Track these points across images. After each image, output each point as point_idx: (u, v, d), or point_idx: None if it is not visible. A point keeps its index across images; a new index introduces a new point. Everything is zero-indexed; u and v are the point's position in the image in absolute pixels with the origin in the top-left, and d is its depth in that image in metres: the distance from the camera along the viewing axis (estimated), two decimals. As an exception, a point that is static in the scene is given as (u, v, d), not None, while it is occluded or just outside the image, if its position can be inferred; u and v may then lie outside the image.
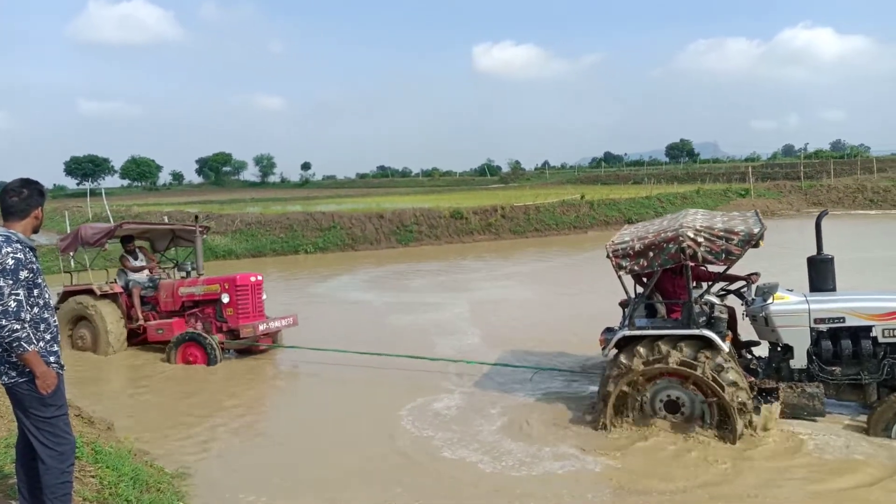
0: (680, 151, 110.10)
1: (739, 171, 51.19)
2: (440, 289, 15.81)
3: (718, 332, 6.21)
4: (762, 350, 7.07)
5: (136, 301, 10.45)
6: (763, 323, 6.59)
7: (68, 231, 23.01)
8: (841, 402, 6.61)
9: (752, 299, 6.85)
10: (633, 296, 6.90)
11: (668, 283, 6.97)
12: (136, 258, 10.96)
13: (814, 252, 6.79)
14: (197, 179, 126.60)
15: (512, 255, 22.42)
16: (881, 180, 39.89)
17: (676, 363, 6.10)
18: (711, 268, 6.86)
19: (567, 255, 22.02)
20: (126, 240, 10.88)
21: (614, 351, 6.59)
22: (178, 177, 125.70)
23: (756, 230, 6.05)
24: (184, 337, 9.60)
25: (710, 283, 7.01)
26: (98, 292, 10.24)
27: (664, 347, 6.18)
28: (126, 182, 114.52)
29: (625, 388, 6.34)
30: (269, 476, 5.88)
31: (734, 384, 6.00)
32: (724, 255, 6.05)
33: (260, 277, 10.38)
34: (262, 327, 9.74)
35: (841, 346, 6.30)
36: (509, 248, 24.89)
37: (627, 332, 6.39)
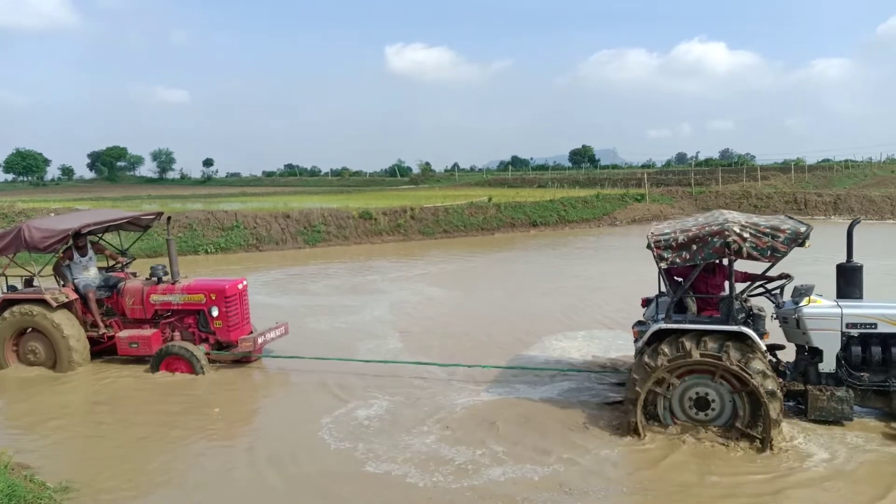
0: (582, 157, 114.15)
1: (636, 177, 53.67)
2: (354, 290, 15.62)
3: (757, 330, 6.22)
4: (785, 355, 7.06)
5: (94, 306, 9.37)
6: (794, 325, 6.57)
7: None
8: (865, 408, 6.64)
9: (783, 301, 6.84)
10: (661, 291, 6.84)
11: (700, 281, 6.86)
12: (84, 254, 9.70)
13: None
14: (88, 174, 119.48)
15: (422, 256, 22.50)
16: (765, 187, 42.96)
17: (714, 357, 6.03)
18: (743, 266, 6.74)
19: (476, 256, 22.33)
20: (77, 233, 9.51)
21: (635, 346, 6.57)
22: (67, 171, 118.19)
23: (802, 229, 5.98)
24: (167, 351, 8.90)
25: (748, 282, 6.88)
26: (54, 303, 8.95)
27: (704, 341, 6.11)
28: (10, 177, 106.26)
29: (655, 385, 6.24)
30: (172, 493, 5.62)
31: (766, 378, 5.97)
32: (769, 252, 5.96)
33: (245, 283, 9.66)
34: (260, 340, 9.12)
35: (871, 352, 6.35)
36: (418, 248, 24.97)
37: (664, 325, 6.29)
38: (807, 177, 51.93)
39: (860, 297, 6.68)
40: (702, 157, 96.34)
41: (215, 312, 9.07)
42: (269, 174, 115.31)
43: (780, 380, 6.48)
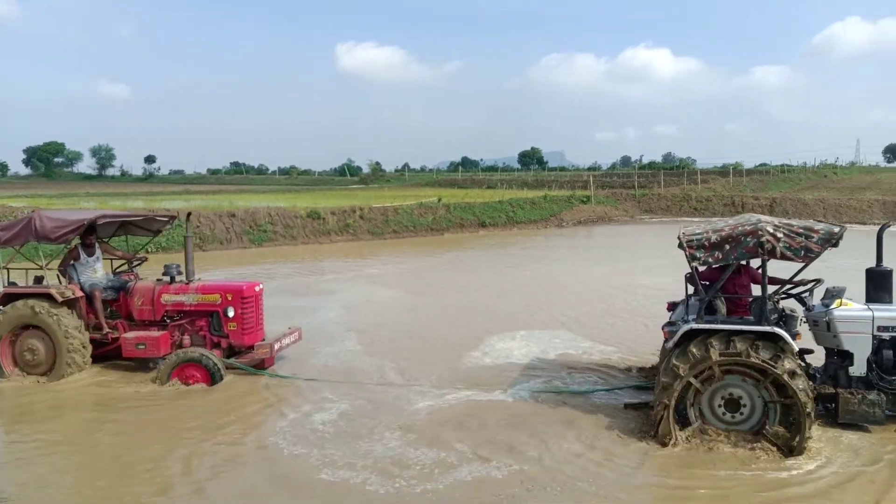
0: (531, 159, 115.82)
1: (583, 179, 54.80)
2: (306, 292, 15.39)
3: (789, 331, 6.12)
4: (814, 359, 6.92)
5: (99, 306, 8.79)
6: (825, 328, 6.50)
7: None
8: (894, 413, 6.43)
9: (813, 304, 6.78)
10: (689, 294, 6.86)
11: (728, 282, 6.72)
12: (91, 254, 9.10)
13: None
14: (24, 171, 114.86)
15: (372, 256, 22.46)
16: (704, 190, 44.47)
17: (754, 358, 5.90)
18: (766, 270, 6.47)
19: (425, 257, 22.43)
20: (87, 230, 8.90)
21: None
22: (2, 168, 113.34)
23: (836, 230, 5.94)
24: (183, 358, 8.29)
25: (782, 283, 6.77)
26: (59, 298, 8.40)
27: (738, 343, 5.99)
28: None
29: (686, 386, 6.09)
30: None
31: (798, 379, 5.89)
32: (802, 252, 5.89)
33: (262, 286, 9.22)
34: (276, 346, 8.70)
35: None
36: (368, 249, 24.91)
37: (695, 325, 6.15)
38: (744, 180, 53.92)
39: (890, 301, 6.60)
40: (645, 161, 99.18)
41: (231, 313, 8.61)
42: (213, 172, 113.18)
43: (811, 383, 6.30)
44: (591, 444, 6.43)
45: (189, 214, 10.05)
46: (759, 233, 5.94)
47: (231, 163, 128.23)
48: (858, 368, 6.40)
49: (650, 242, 27.58)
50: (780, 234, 5.94)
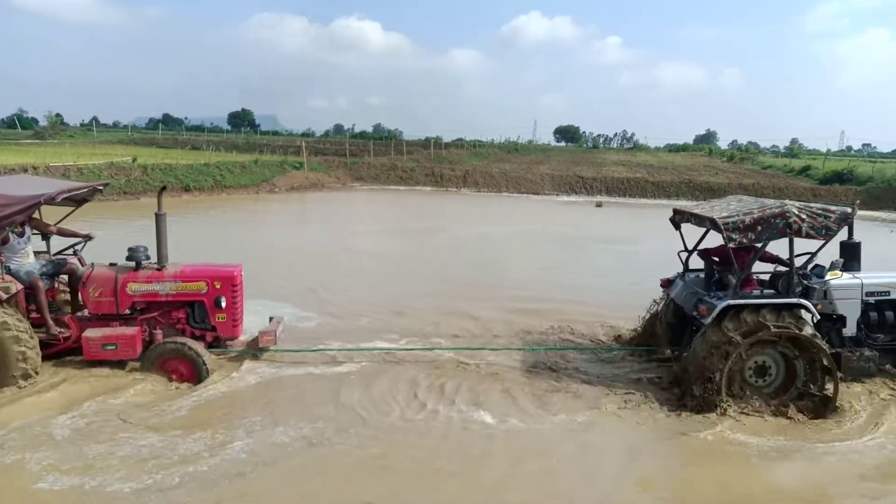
0: (241, 121, 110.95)
1: (296, 144, 54.12)
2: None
3: (811, 303, 6.76)
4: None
5: (42, 299, 7.20)
6: (822, 296, 7.18)
7: None
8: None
9: (808, 274, 7.31)
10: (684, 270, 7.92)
11: (741, 260, 7.12)
12: (22, 235, 7.48)
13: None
14: None
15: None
16: (409, 161, 47.21)
17: (795, 328, 6.55)
18: (793, 249, 6.95)
19: (116, 224, 20.06)
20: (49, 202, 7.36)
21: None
22: None
23: (849, 210, 6.64)
24: (166, 349, 7.25)
25: (811, 254, 7.22)
26: (4, 295, 6.78)
27: (783, 315, 6.59)
28: None
29: (724, 358, 6.54)
30: None
31: (824, 345, 6.63)
32: (823, 231, 6.55)
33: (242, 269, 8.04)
34: (278, 332, 8.05)
35: (884, 316, 7.31)
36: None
37: (732, 301, 6.68)
38: (443, 153, 58.50)
39: (859, 269, 7.63)
40: (357, 130, 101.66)
41: (223, 303, 7.62)
42: None
43: None
44: (371, 400, 6.87)
45: (164, 188, 8.49)
46: (787, 214, 6.58)
47: None
48: (850, 330, 7.36)
49: (360, 210, 28.54)
50: (804, 216, 6.61)
